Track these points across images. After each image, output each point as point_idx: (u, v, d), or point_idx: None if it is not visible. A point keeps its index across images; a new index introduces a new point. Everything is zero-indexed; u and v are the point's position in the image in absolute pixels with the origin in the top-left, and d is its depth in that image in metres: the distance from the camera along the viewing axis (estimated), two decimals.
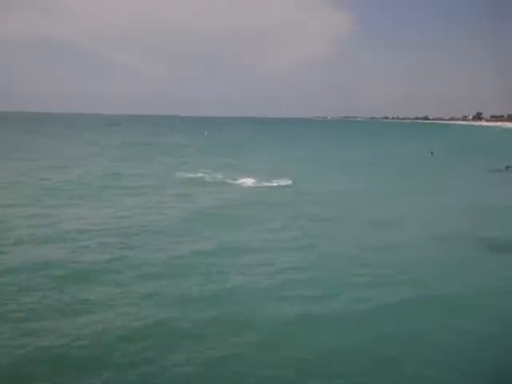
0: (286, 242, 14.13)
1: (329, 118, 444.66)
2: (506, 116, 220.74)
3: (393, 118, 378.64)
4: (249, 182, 25.53)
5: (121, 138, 57.86)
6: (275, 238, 14.50)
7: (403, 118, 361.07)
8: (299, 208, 19.40)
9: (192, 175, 27.78)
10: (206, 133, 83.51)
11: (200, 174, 28.14)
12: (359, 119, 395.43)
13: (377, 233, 15.47)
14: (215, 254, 12.88)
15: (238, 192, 22.79)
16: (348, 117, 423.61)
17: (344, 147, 54.69)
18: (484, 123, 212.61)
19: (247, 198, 21.16)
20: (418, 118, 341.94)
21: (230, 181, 26.42)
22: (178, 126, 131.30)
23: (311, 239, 14.44)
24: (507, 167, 33.95)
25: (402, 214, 18.58)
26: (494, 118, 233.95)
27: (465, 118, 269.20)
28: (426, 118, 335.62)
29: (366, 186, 25.60)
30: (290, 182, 26.02)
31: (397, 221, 17.41)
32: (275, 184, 25.19)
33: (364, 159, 42.05)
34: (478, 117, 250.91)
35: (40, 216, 16.61)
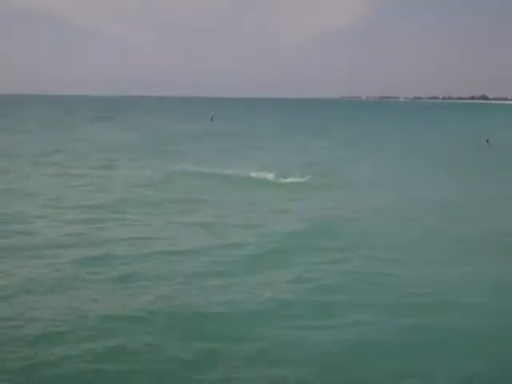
0: None
1: (363, 98, 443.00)
2: None
3: (443, 98, 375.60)
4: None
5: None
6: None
7: (456, 98, 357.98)
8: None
9: (255, 175, 27.59)
10: (211, 117, 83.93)
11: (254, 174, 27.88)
12: (401, 100, 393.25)
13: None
14: None
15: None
16: (387, 97, 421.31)
17: (383, 139, 53.64)
18: None
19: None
20: (473, 98, 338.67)
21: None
22: (177, 110, 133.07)
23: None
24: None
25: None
26: None
27: None
28: (485, 98, 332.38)
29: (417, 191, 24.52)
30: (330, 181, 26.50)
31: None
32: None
33: (402, 150, 41.84)
34: None
35: None
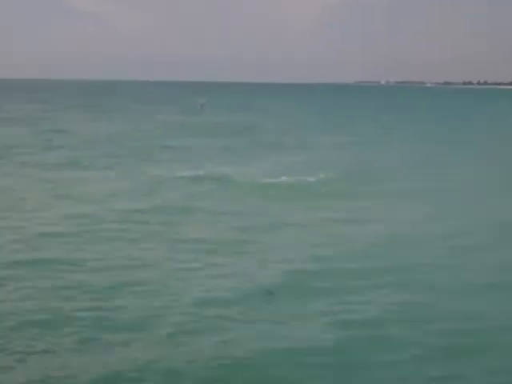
0: None
1: (382, 82, 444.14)
2: None
3: (478, 84, 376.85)
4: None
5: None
6: None
7: (494, 84, 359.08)
8: None
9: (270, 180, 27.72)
10: (201, 105, 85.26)
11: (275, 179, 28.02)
12: (428, 85, 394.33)
13: None
14: None
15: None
16: (411, 82, 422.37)
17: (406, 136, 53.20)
18: None
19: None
20: None
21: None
22: (164, 96, 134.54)
23: None
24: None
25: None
26: None
27: None
28: None
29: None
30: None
31: None
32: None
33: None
34: None
35: None
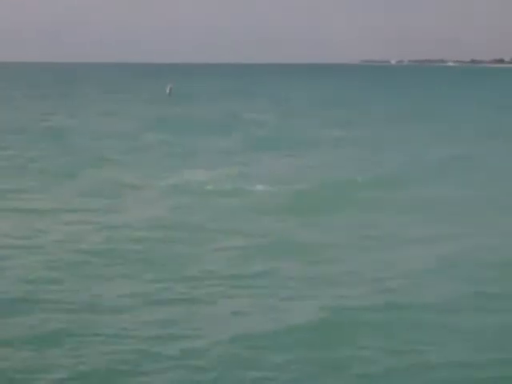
0: None
1: (393, 62, 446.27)
2: None
3: (511, 62, 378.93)
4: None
5: None
6: None
7: None
8: None
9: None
10: (169, 91, 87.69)
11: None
12: (449, 64, 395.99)
13: None
14: None
15: None
16: (429, 60, 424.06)
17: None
18: None
19: None
20: None
21: None
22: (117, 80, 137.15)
23: None
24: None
25: None
26: None
27: None
28: None
29: None
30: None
31: None
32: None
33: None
34: None
35: None
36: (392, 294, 15.26)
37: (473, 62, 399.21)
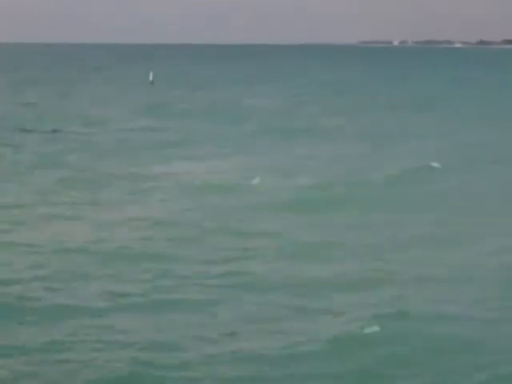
0: None
1: (396, 43, 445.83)
2: None
3: None
4: None
5: None
6: None
7: None
8: None
9: None
10: (151, 79, 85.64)
11: None
12: (456, 45, 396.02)
13: None
14: None
15: None
16: (434, 41, 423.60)
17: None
18: None
19: None
20: None
21: None
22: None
23: None
24: None
25: None
26: None
27: None
28: None
29: None
30: None
31: None
32: None
33: None
34: None
35: None
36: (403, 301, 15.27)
37: (481, 42, 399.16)
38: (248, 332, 13.82)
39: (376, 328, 13.54)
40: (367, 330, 13.80)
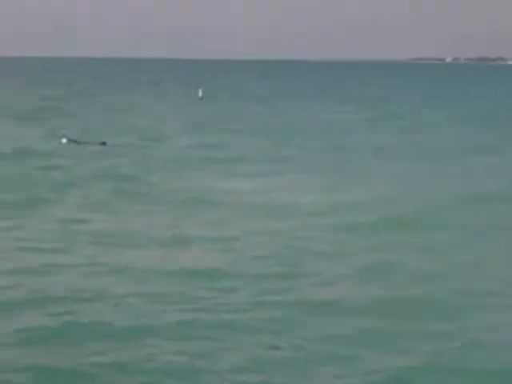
0: None
1: (449, 60, 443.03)
2: None
3: None
4: None
5: None
6: None
7: None
8: None
9: None
10: (201, 95, 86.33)
11: None
12: (510, 62, 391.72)
13: None
14: None
15: None
16: (487, 58, 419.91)
17: None
18: None
19: None
20: None
21: None
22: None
23: None
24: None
25: None
26: None
27: None
28: None
29: None
30: None
31: None
32: None
33: None
34: None
35: None
36: None
37: None
38: (327, 355, 13.40)
39: None
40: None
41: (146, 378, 12.33)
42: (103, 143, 41.15)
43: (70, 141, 41.36)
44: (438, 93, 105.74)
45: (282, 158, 37.92)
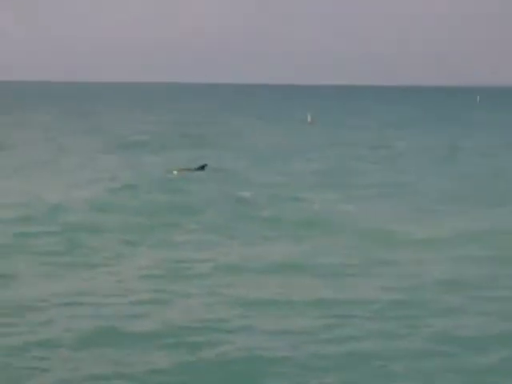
0: None
1: None
2: None
3: None
4: None
5: None
6: None
7: None
8: None
9: None
10: (310, 119, 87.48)
11: None
12: None
13: None
14: None
15: None
16: None
17: None
18: None
19: None
20: None
21: None
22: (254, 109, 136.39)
23: None
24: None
25: None
26: None
27: None
28: None
29: None
30: None
31: None
32: None
33: None
34: None
35: None
36: None
37: None
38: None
39: None
40: None
41: None
42: (202, 167, 41.15)
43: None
44: None
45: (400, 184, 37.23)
